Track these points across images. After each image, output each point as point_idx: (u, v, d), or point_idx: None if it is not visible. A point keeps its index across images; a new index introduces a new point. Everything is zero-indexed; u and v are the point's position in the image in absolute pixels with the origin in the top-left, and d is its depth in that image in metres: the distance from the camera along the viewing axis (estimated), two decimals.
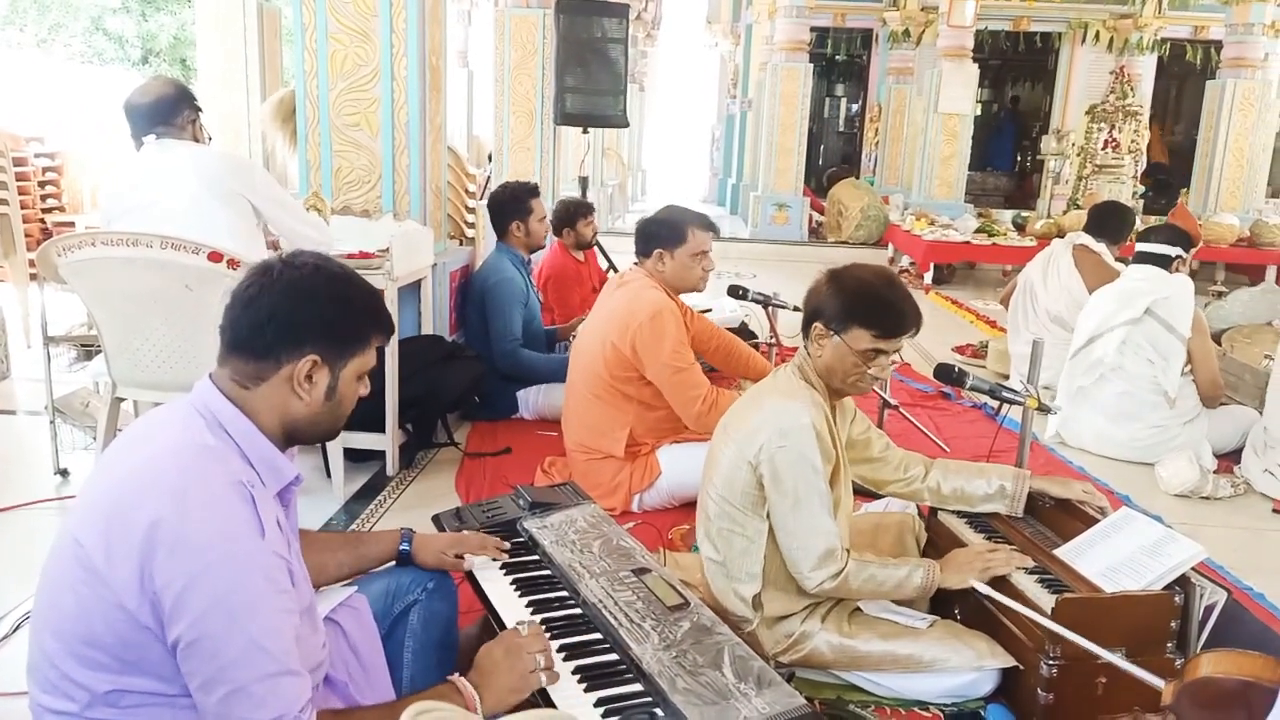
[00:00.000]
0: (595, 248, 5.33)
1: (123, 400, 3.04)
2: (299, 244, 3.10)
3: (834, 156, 16.18)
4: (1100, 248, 4.66)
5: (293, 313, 1.42)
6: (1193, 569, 2.06)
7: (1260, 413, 3.86)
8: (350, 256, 3.38)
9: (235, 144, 5.61)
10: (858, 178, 13.02)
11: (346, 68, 3.72)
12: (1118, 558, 2.10)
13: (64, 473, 3.31)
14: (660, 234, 3.22)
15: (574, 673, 1.67)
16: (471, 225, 4.86)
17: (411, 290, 3.82)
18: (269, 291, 1.44)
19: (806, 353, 2.16)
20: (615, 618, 1.78)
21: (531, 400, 4.16)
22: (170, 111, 2.97)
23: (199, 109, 3.07)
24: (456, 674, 1.53)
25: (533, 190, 4.41)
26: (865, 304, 2.06)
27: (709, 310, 4.80)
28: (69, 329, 4.68)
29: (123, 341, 2.89)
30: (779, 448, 2.03)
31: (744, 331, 5.01)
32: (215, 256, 2.69)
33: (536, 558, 2.11)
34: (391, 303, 3.35)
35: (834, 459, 2.11)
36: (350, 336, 1.47)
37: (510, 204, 4.33)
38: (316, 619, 1.52)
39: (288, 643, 1.30)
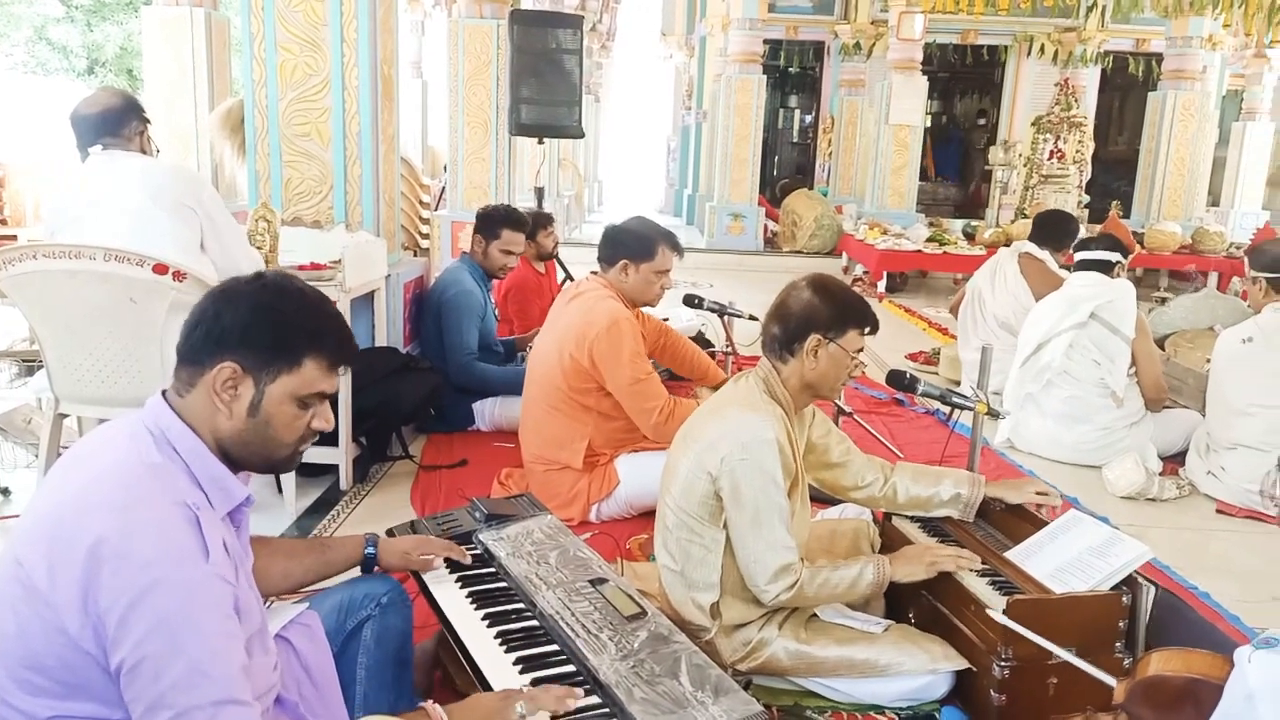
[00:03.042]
0: (555, 260, 5.32)
1: (66, 417, 2.97)
2: (229, 272, 3.03)
3: (788, 167, 16.31)
4: (1044, 255, 4.76)
5: (217, 317, 1.40)
6: (1137, 569, 2.10)
7: (1203, 415, 3.95)
8: (301, 268, 3.34)
9: (184, 155, 5.52)
10: (811, 188, 13.16)
11: (296, 77, 3.67)
12: (1066, 559, 2.14)
13: (5, 491, 3.22)
14: (630, 245, 3.22)
15: (531, 684, 1.66)
16: (426, 236, 4.84)
17: (365, 302, 3.78)
18: (206, 297, 1.44)
19: (775, 366, 2.17)
20: (572, 629, 1.77)
21: (488, 412, 4.14)
22: (117, 123, 2.91)
23: (147, 121, 3.01)
24: (432, 701, 1.50)
25: (516, 220, 4.29)
26: (854, 306, 2.16)
27: (666, 319, 4.81)
28: (10, 344, 4.57)
29: (65, 356, 2.82)
30: (740, 460, 2.04)
31: (700, 341, 5.03)
32: (160, 268, 2.64)
33: (493, 570, 2.09)
34: (344, 314, 3.31)
35: (794, 473, 2.12)
36: (274, 349, 1.41)
37: (483, 221, 4.27)
38: (268, 639, 1.49)
39: (232, 670, 1.25)
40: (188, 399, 1.41)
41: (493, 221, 4.26)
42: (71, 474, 1.36)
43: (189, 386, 1.41)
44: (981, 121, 15.42)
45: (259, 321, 1.41)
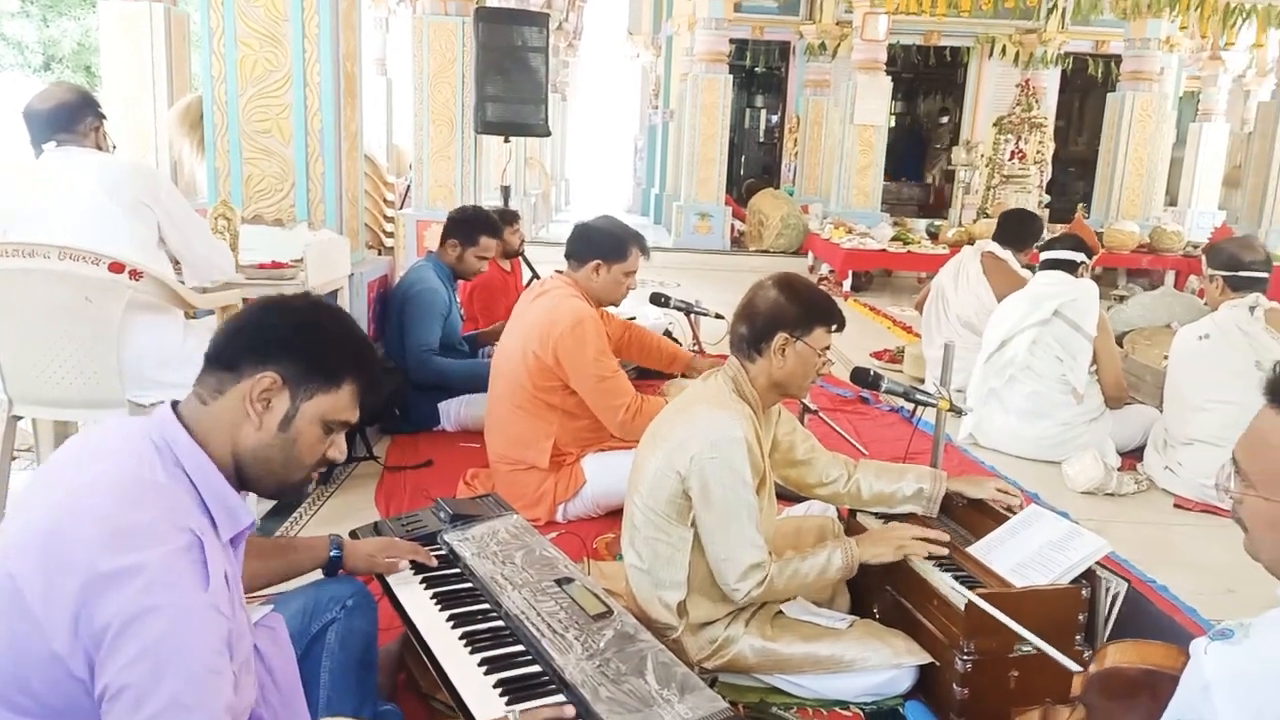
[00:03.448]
0: (521, 258, 5.31)
1: (20, 419, 2.91)
2: (197, 265, 3.00)
3: (755, 166, 16.37)
4: (1007, 255, 4.81)
5: (263, 323, 1.41)
6: (1097, 562, 2.13)
7: (1161, 411, 4.02)
8: (262, 266, 3.30)
9: (143, 152, 5.42)
10: (777, 187, 13.22)
11: (257, 73, 3.62)
12: (1027, 553, 2.16)
13: None
14: (603, 245, 3.21)
15: (495, 686, 1.66)
16: (390, 235, 4.79)
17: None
18: (258, 308, 1.45)
19: (744, 366, 2.18)
20: (538, 629, 1.77)
21: (453, 412, 4.11)
22: (72, 118, 2.86)
23: (103, 116, 2.96)
24: None
25: (491, 226, 4.28)
26: (820, 304, 2.17)
27: (633, 318, 4.81)
28: None
29: (20, 357, 2.76)
30: (710, 459, 2.05)
31: (668, 339, 5.03)
32: (116, 267, 2.59)
33: (458, 571, 2.08)
34: None
35: (762, 471, 2.13)
36: (317, 365, 1.40)
37: (462, 226, 4.24)
38: (250, 660, 1.44)
39: (216, 706, 1.19)
40: (212, 407, 1.37)
41: (472, 228, 4.24)
42: (66, 483, 1.29)
43: (217, 393, 1.38)
44: (944, 120, 15.56)
45: (309, 336, 1.41)
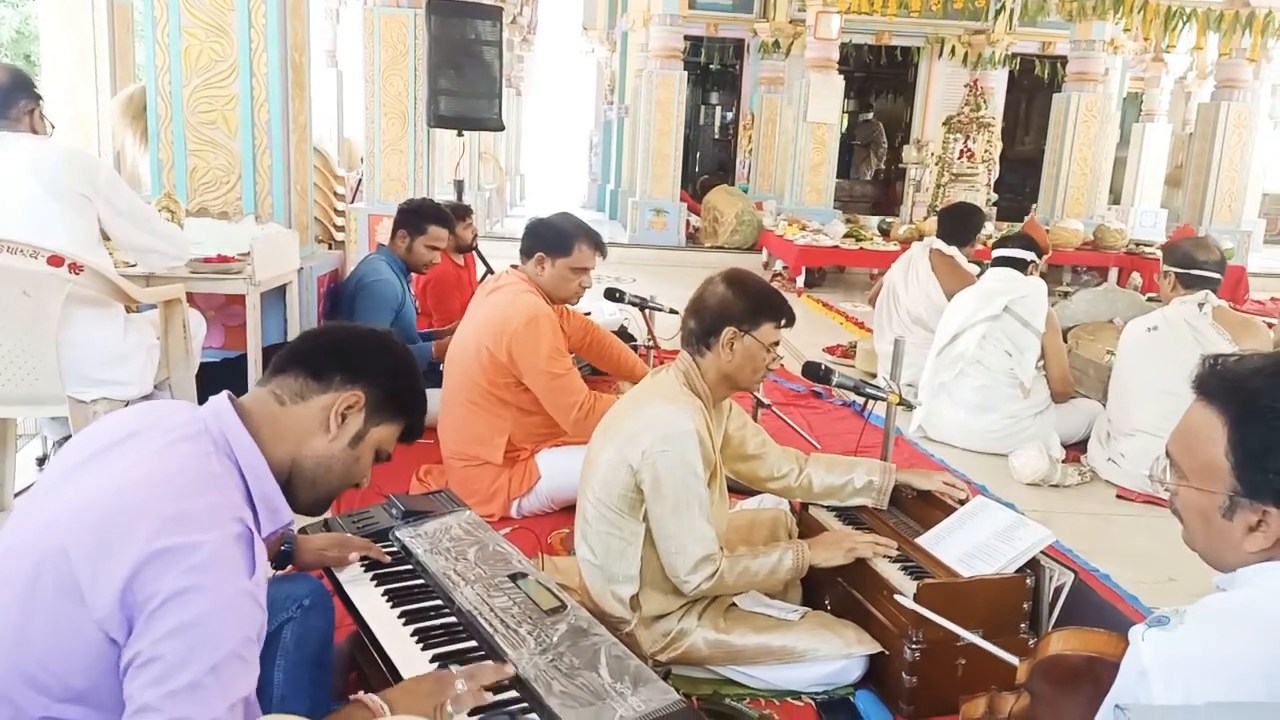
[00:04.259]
0: (475, 252, 5.26)
1: None
2: (142, 257, 2.93)
3: (709, 163, 16.41)
4: (953, 251, 4.89)
5: (364, 349, 1.54)
6: (1043, 552, 2.18)
7: (1104, 405, 4.11)
8: (208, 260, 3.24)
9: (85, 143, 5.29)
10: (732, 184, 13.27)
11: (202, 63, 3.56)
12: (974, 543, 2.20)
13: None
14: (547, 239, 3.18)
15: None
16: (341, 229, 4.72)
17: (276, 296, 3.68)
18: (352, 329, 1.60)
19: (694, 360, 2.19)
20: (491, 624, 1.76)
21: None
22: (4, 101, 2.76)
23: (38, 98, 2.86)
24: (364, 692, 1.49)
25: (442, 216, 4.23)
26: (768, 300, 2.19)
27: (588, 314, 4.80)
28: None
29: None
30: (661, 452, 2.05)
31: (623, 334, 5.03)
32: (55, 260, 2.51)
33: (410, 567, 2.06)
34: (254, 308, 3.23)
35: (713, 464, 2.15)
36: (395, 397, 1.54)
37: (410, 216, 4.18)
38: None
39: (232, 695, 1.20)
40: (290, 409, 1.45)
41: (420, 216, 4.18)
42: (123, 467, 1.31)
43: (299, 398, 1.47)
44: (867, 116, 15.68)
45: (396, 369, 1.56)
